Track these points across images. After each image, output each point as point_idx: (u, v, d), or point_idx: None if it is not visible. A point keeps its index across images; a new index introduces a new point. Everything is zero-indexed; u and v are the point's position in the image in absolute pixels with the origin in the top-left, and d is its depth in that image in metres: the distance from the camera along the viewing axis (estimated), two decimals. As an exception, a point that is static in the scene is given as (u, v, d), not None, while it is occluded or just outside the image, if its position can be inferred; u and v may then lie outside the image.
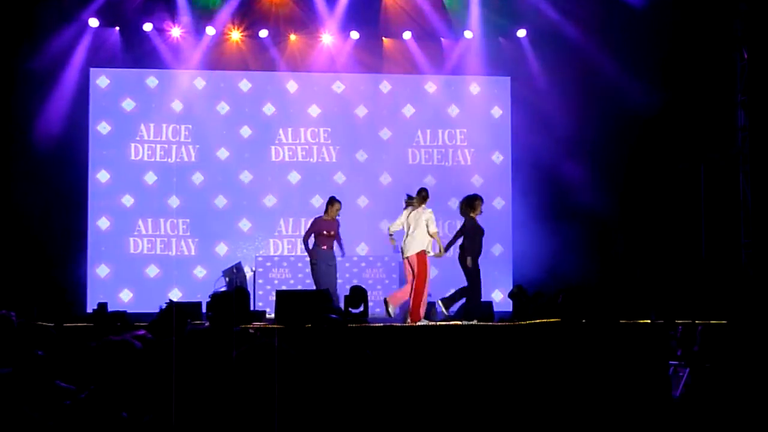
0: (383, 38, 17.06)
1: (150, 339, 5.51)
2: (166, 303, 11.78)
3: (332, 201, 13.86)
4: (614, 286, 14.89)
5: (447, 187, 16.53)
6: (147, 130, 16.54)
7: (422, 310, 12.87)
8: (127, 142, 16.45)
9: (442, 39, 17.09)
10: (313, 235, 13.79)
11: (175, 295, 15.88)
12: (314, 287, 13.47)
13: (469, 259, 13.34)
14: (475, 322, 12.54)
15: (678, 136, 15.86)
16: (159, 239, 16.45)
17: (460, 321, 12.76)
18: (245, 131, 16.74)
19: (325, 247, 13.72)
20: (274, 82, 16.96)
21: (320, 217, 13.97)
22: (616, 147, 16.28)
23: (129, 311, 12.61)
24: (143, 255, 16.33)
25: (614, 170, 16.38)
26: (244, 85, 16.88)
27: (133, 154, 16.47)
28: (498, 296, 16.28)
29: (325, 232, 13.72)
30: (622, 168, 16.33)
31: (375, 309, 15.13)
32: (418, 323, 12.45)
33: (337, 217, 13.91)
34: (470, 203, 13.61)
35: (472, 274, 13.33)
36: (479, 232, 13.51)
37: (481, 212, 13.58)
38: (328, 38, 16.83)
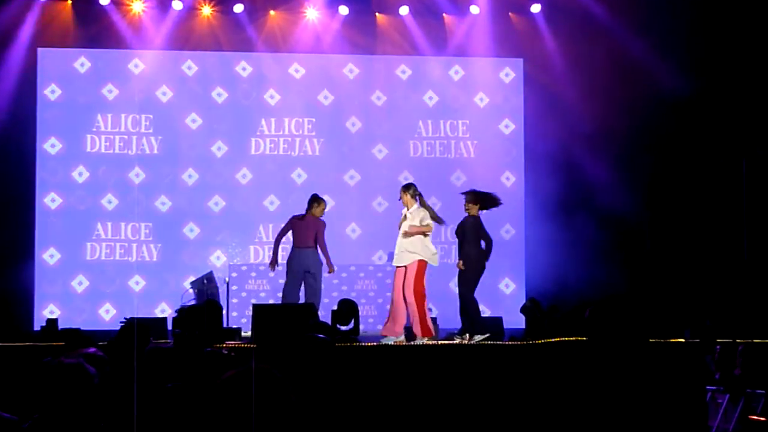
0: (376, 14, 17.01)
1: (102, 358, 5.42)
2: (124, 319, 11.78)
3: (318, 200, 13.73)
4: (641, 299, 14.84)
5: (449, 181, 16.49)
6: (104, 121, 16.46)
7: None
8: (82, 133, 16.37)
9: (445, 15, 17.06)
10: (291, 234, 13.62)
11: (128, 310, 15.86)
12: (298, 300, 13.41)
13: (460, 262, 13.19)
14: (477, 338, 12.42)
15: (716, 128, 15.83)
16: (119, 244, 16.37)
17: (463, 340, 12.67)
18: (219, 120, 16.67)
19: (302, 246, 13.50)
20: (250, 64, 16.87)
21: (298, 215, 13.76)
22: (643, 139, 16.24)
23: (90, 329, 12.55)
24: (102, 262, 16.26)
25: (641, 165, 16.34)
26: (218, 67, 16.80)
27: (89, 145, 16.39)
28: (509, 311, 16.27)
29: (303, 231, 13.53)
30: (650, 162, 16.29)
31: (371, 322, 15.10)
32: (425, 340, 12.35)
33: (321, 218, 13.78)
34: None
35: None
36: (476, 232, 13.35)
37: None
38: (312, 14, 16.78)
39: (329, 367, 5.62)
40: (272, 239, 14.66)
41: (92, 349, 5.60)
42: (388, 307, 13.06)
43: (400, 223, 12.74)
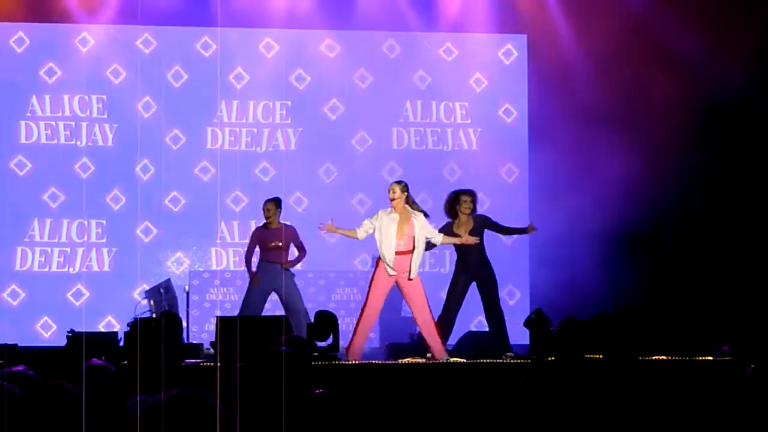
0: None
1: (33, 379, 5.34)
2: (68, 333, 11.72)
3: (267, 203, 13.83)
4: (658, 310, 14.86)
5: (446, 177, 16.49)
6: (41, 104, 16.38)
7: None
8: (15, 119, 16.31)
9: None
10: (257, 249, 13.77)
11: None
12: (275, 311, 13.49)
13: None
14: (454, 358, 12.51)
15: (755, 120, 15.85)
16: (58, 249, 16.30)
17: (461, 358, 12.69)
18: (177, 103, 16.63)
19: (272, 261, 13.64)
20: (212, 39, 16.82)
21: (259, 226, 13.90)
22: (668, 131, 16.19)
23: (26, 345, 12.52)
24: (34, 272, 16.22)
25: (664, 160, 16.32)
26: (170, 41, 16.76)
27: (23, 135, 16.32)
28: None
29: (272, 244, 13.64)
30: (674, 158, 16.27)
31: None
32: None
33: (287, 224, 13.84)
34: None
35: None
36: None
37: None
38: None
39: (301, 387, 5.58)
40: (237, 239, 14.68)
41: (20, 367, 5.52)
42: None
43: (400, 230, 12.62)
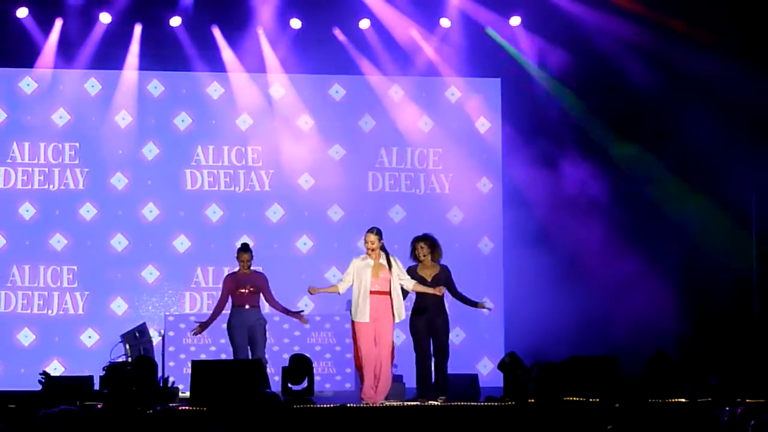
0: (334, 28, 17.08)
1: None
2: (41, 376, 11.72)
3: (240, 250, 13.84)
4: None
5: (419, 222, 16.54)
6: (20, 150, 16.48)
7: None
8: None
9: (411, 29, 17.14)
10: (229, 297, 13.73)
11: (55, 368, 15.78)
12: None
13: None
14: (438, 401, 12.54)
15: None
16: (37, 293, 16.34)
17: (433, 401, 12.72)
18: (150, 150, 16.74)
19: (246, 306, 13.60)
20: (190, 85, 16.95)
21: (232, 272, 13.89)
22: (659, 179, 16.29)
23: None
24: (16, 315, 16.24)
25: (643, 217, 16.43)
26: (152, 88, 16.88)
27: (2, 181, 16.41)
28: (486, 367, 16.35)
29: (242, 290, 13.62)
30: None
31: (325, 383, 15.13)
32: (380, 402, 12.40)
33: (258, 270, 13.89)
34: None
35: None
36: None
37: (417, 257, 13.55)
38: (260, 28, 16.84)
39: (281, 428, 5.64)
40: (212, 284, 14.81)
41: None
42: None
43: (375, 273, 12.70)
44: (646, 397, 10.60)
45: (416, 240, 13.48)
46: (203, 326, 13.68)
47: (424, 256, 13.33)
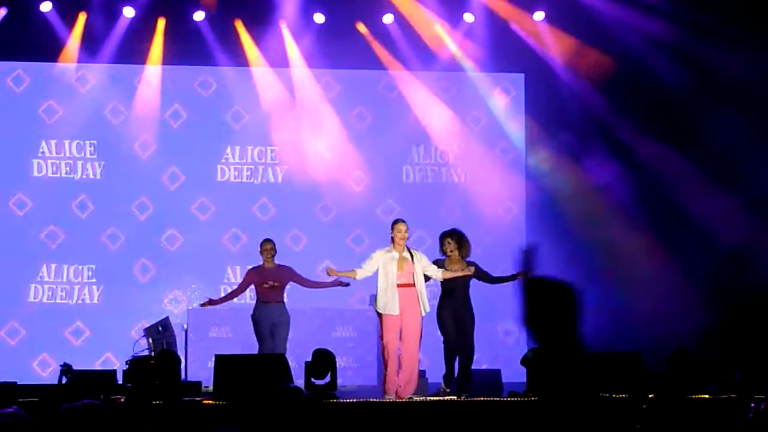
0: (357, 23, 17.10)
1: (25, 419, 5.40)
2: (61, 367, 11.77)
3: (263, 242, 13.91)
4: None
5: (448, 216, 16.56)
6: (48, 146, 16.63)
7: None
8: (27, 157, 16.57)
9: (435, 24, 17.14)
10: (253, 287, 13.82)
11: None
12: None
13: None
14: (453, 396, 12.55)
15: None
16: (60, 286, 16.46)
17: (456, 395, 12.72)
18: (179, 147, 16.89)
19: (271, 302, 13.69)
20: (210, 79, 17.02)
21: (256, 266, 13.95)
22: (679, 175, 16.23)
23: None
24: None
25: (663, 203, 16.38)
26: (170, 83, 16.97)
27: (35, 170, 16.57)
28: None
29: (266, 285, 13.69)
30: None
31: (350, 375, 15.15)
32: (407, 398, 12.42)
33: (283, 264, 13.95)
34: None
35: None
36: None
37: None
38: (283, 22, 16.86)
39: (305, 423, 5.63)
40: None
41: (12, 408, 5.56)
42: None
43: (400, 266, 12.70)
44: (672, 393, 10.52)
45: (444, 235, 13.47)
46: (212, 302, 13.93)
47: (452, 251, 13.30)
